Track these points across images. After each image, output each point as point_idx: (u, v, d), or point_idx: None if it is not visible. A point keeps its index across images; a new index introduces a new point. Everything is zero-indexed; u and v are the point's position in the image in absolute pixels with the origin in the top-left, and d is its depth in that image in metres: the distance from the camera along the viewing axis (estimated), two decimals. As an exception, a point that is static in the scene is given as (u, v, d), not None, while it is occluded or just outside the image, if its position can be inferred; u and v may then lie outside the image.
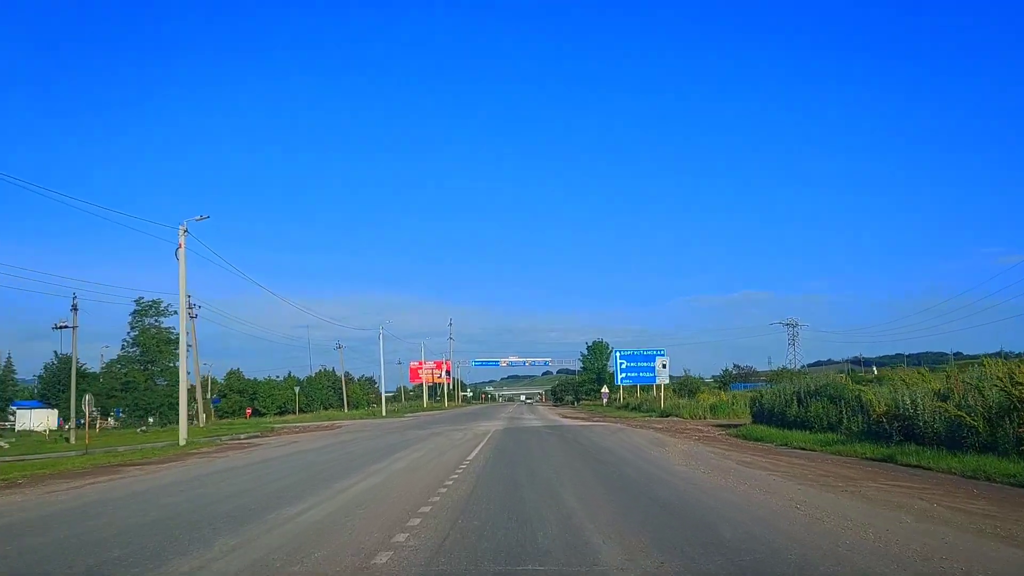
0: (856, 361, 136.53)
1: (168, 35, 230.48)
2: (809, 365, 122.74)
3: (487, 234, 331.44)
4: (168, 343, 75.85)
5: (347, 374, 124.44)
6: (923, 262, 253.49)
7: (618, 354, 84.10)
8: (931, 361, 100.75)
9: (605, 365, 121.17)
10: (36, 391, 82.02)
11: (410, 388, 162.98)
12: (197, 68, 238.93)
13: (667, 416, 45.66)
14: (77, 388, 49.90)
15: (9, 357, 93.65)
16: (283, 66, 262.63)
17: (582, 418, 51.05)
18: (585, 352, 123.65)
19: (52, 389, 76.19)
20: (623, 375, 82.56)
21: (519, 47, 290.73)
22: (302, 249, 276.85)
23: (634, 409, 62.84)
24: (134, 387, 70.19)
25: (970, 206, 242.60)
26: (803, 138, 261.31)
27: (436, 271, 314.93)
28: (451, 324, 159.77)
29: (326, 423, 56.40)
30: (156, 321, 76.54)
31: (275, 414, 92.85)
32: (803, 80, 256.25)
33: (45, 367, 75.40)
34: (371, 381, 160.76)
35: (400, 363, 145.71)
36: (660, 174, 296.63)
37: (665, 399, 57.18)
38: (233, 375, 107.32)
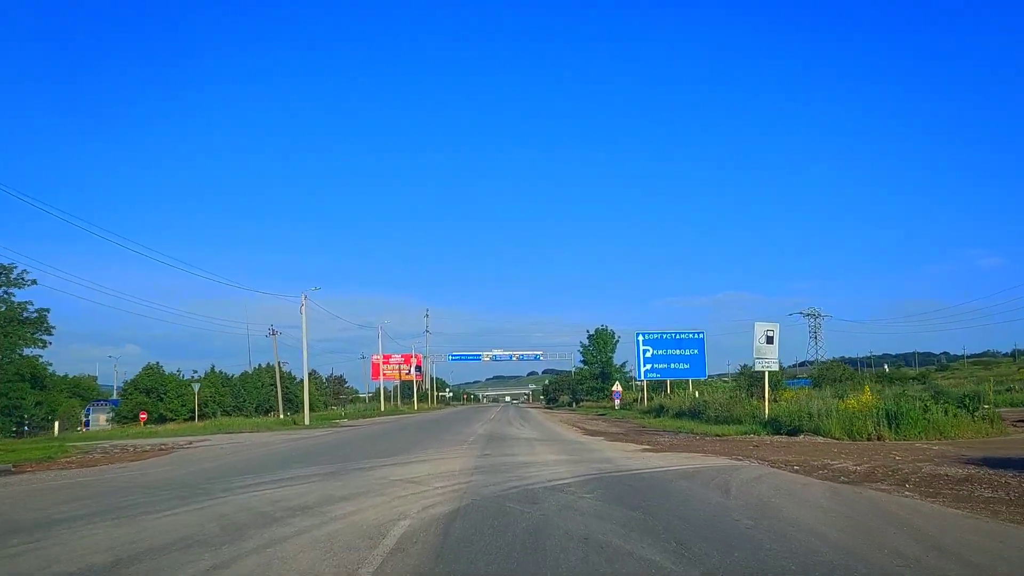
0: (869, 359, 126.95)
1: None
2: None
3: (468, 233, 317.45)
4: (19, 324, 57.83)
5: (304, 375, 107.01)
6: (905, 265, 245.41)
7: (641, 339, 66.36)
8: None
9: (611, 358, 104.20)
10: None
11: (390, 388, 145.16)
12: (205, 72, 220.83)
13: (796, 434, 25.70)
14: None
15: None
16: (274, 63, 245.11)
17: (613, 434, 32.01)
18: (585, 343, 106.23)
19: None
20: (648, 367, 65.41)
21: (497, 38, 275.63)
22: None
23: (684, 416, 43.52)
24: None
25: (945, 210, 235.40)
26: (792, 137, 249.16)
27: (414, 270, 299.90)
28: (427, 315, 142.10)
29: (152, 442, 38.06)
30: (5, 294, 58.51)
31: (185, 419, 75.03)
32: (799, 78, 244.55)
33: None
34: (340, 380, 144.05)
35: (364, 356, 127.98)
36: (648, 172, 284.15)
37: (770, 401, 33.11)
38: (151, 370, 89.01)
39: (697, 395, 56.39)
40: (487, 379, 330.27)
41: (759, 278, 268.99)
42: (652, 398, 64.90)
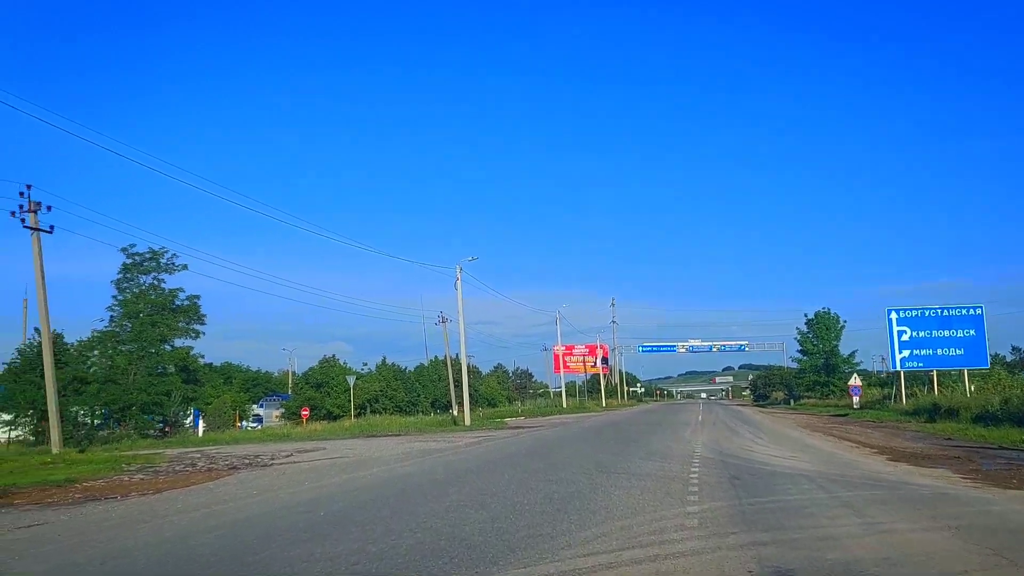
0: None
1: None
2: None
3: (651, 227, 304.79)
4: (173, 312, 53.71)
5: (463, 363, 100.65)
6: None
7: (895, 316, 52.40)
8: None
9: (835, 347, 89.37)
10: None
11: (576, 383, 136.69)
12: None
13: None
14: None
15: None
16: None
17: (939, 458, 19.40)
18: (804, 329, 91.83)
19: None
20: (906, 353, 51.65)
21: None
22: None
23: (996, 422, 28.73)
24: (115, 378, 48.33)
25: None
26: None
27: (598, 264, 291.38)
28: (613, 305, 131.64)
29: (245, 452, 31.02)
30: (156, 280, 54.68)
31: (358, 415, 69.61)
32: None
33: (19, 351, 55.48)
34: (527, 374, 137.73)
35: (546, 348, 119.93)
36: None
37: None
38: (325, 363, 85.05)
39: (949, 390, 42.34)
40: (679, 375, 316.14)
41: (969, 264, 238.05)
42: (914, 394, 51.15)
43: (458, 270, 48.69)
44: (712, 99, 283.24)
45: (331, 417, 69.20)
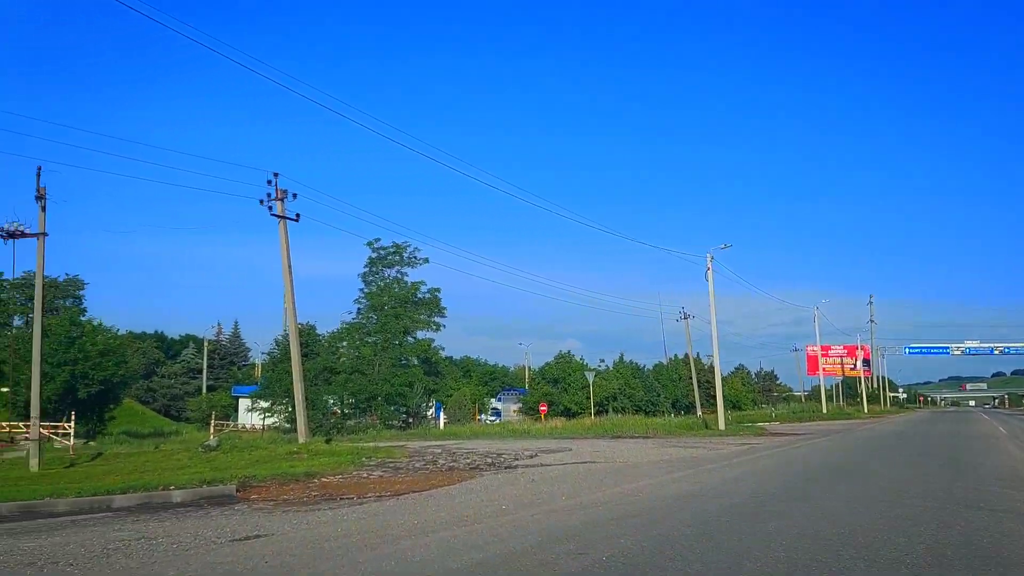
0: None
1: None
2: None
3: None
4: (415, 305, 54.18)
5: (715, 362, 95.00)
6: None
7: None
8: None
9: None
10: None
11: (828, 386, 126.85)
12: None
13: None
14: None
15: (236, 326, 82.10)
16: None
17: None
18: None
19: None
20: None
21: None
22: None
23: None
24: (362, 368, 49.33)
25: None
26: None
27: (852, 261, 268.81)
28: (871, 302, 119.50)
29: (478, 448, 27.97)
30: (399, 273, 55.47)
31: (594, 413, 67.25)
32: None
33: (276, 342, 58.77)
34: (771, 376, 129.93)
35: (796, 349, 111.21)
36: None
37: None
38: (561, 359, 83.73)
39: None
40: (940, 380, 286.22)
41: None
42: None
43: (708, 259, 44.44)
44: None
45: (568, 414, 67.42)
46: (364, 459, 21.86)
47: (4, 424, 36.95)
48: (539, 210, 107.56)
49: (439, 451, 25.84)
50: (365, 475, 18.32)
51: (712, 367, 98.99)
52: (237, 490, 16.07)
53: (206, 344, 77.51)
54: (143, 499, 15.44)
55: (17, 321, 61.25)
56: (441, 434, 38.68)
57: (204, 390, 72.37)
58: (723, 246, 48.45)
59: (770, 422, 63.17)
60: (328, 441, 30.77)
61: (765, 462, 21.01)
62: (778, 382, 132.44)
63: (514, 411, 75.50)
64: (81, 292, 62.41)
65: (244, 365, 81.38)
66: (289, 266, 28.81)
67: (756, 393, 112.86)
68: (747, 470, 18.36)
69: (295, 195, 29.06)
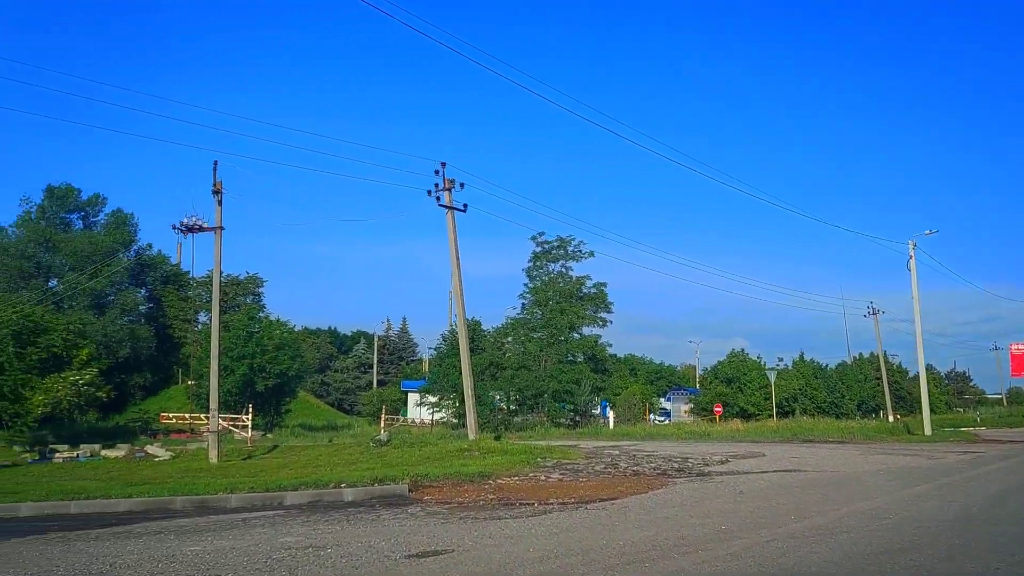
0: None
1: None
2: None
3: None
4: (580, 300, 52.72)
5: (920, 361, 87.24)
6: None
7: None
8: None
9: None
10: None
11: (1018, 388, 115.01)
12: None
13: None
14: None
15: (404, 322, 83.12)
16: None
17: None
18: None
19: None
20: None
21: None
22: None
23: None
24: (528, 364, 48.38)
25: None
26: None
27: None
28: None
29: (669, 453, 25.19)
30: (564, 268, 54.14)
31: (770, 415, 63.20)
32: None
33: (443, 337, 58.96)
34: (963, 377, 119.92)
35: (996, 348, 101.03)
36: None
37: None
38: (733, 357, 79.82)
39: None
40: None
41: None
42: None
43: (911, 246, 40.07)
44: None
45: (744, 415, 63.78)
46: (539, 459, 20.47)
47: (187, 415, 38.57)
48: (709, 196, 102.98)
49: (616, 452, 24.12)
50: (543, 477, 16.86)
51: (900, 367, 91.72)
52: (409, 489, 15.04)
53: (376, 340, 79.59)
54: (314, 496, 14.69)
55: (203, 318, 64.86)
56: (613, 434, 36.92)
57: (375, 385, 74.22)
58: (928, 232, 43.86)
59: (975, 427, 57.19)
60: (497, 438, 29.76)
61: (1019, 476, 17.77)
62: (971, 384, 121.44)
63: (684, 411, 72.42)
64: (260, 289, 65.27)
65: (412, 360, 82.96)
66: (457, 257, 27.97)
67: (950, 396, 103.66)
68: (1005, 486, 15.39)
69: (463, 184, 28.19)
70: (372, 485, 15.46)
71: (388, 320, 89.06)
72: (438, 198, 27.99)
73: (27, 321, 31.94)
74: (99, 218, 60.76)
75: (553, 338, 49.86)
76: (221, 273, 26.13)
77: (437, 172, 27.92)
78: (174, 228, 25.75)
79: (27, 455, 28.17)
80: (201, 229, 25.68)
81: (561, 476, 17.08)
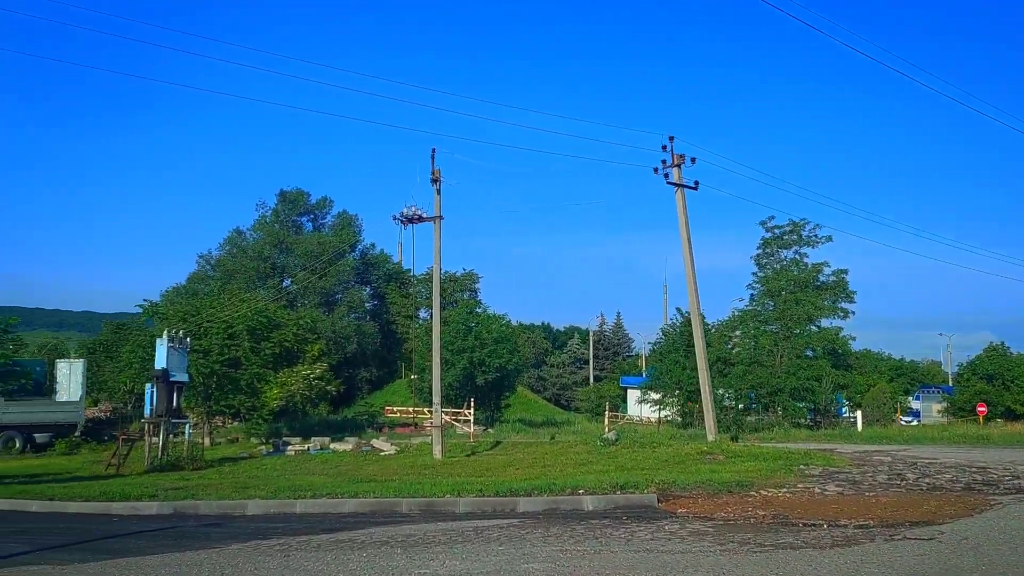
0: None
1: None
2: None
3: None
4: (817, 290, 48.26)
5: None
6: None
7: None
8: None
9: None
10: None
11: None
12: None
13: None
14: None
15: (619, 316, 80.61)
16: None
17: None
18: None
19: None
20: None
21: None
22: None
23: None
24: (761, 360, 44.64)
25: None
26: None
27: None
28: None
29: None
30: (797, 254, 49.78)
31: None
32: None
33: (662, 331, 56.17)
34: None
35: None
36: None
37: None
38: (993, 351, 70.91)
39: None
40: None
41: None
42: None
43: None
44: None
45: (1010, 415, 56.21)
46: (800, 466, 17.62)
47: (411, 409, 38.81)
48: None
49: (887, 459, 20.66)
50: (816, 490, 14.12)
51: None
52: (658, 500, 12.91)
53: (591, 335, 78.32)
54: (550, 503, 12.96)
55: (423, 314, 66.41)
56: (867, 437, 32.74)
57: (591, 380, 72.92)
58: None
59: None
60: (734, 439, 26.96)
61: None
62: None
63: (937, 411, 64.93)
64: (476, 285, 65.80)
65: (628, 356, 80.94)
66: (688, 240, 25.50)
67: None
68: None
69: (694, 160, 25.76)
70: (613, 493, 13.51)
71: (602, 315, 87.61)
72: (666, 175, 25.73)
73: (261, 317, 33.14)
74: (327, 220, 63.86)
75: (788, 331, 45.78)
76: (441, 263, 25.36)
77: (664, 147, 25.68)
78: (394, 219, 25.37)
79: (263, 447, 29.02)
80: (421, 219, 25.08)
81: (839, 489, 14.26)
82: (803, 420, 41.31)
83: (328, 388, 40.94)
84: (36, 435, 30.61)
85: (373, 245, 65.07)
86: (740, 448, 22.14)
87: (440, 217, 24.92)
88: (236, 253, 58.78)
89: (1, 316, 38.53)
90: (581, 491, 13.63)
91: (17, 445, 29.77)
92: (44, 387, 35.28)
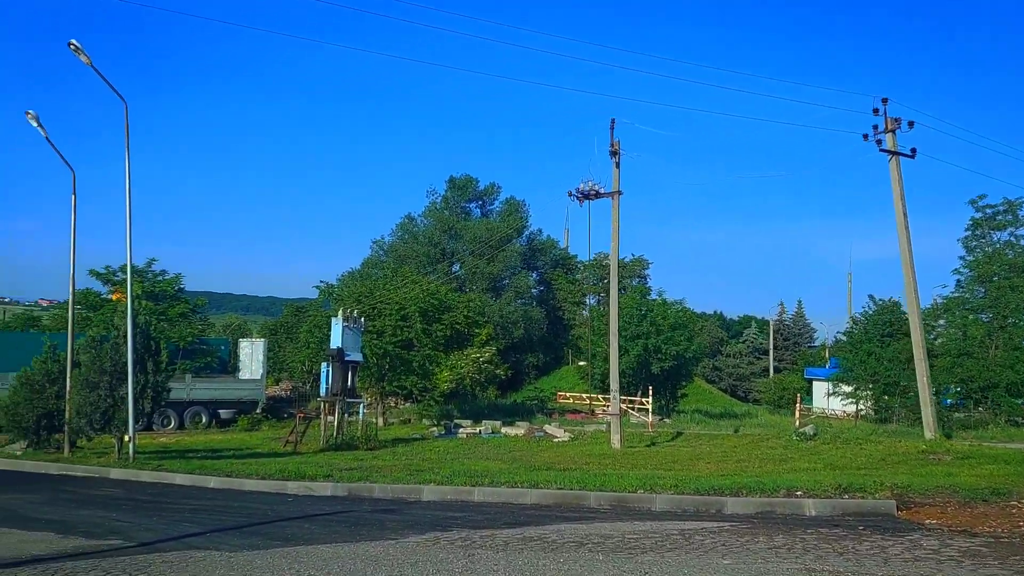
0: None
1: None
2: None
3: None
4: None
5: None
6: None
7: None
8: None
9: None
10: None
11: None
12: None
13: None
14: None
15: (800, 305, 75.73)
16: None
17: None
18: None
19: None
20: None
21: None
22: None
23: None
24: (970, 350, 40.04)
25: None
26: None
27: None
28: None
29: None
30: (1013, 236, 44.40)
31: None
32: None
33: (853, 320, 51.91)
34: None
35: None
36: None
37: None
38: None
39: None
40: None
41: None
42: None
43: None
44: None
45: None
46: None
47: (584, 395, 37.52)
48: None
49: None
50: (1097, 504, 11.50)
51: None
52: (896, 507, 10.84)
53: (771, 325, 74.23)
54: (762, 505, 11.18)
55: (590, 300, 65.01)
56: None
57: (771, 371, 69.07)
58: None
59: None
60: (948, 437, 23.74)
61: None
62: None
63: None
64: (646, 271, 63.70)
65: (811, 346, 76.13)
66: (904, 212, 22.60)
67: None
68: None
69: (911, 123, 22.80)
70: (838, 496, 11.52)
71: (782, 303, 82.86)
72: (879, 141, 22.92)
73: (432, 299, 32.83)
74: (494, 206, 63.65)
75: (1002, 320, 40.80)
76: (619, 241, 23.77)
77: (876, 111, 22.87)
78: (570, 195, 24.01)
79: (434, 429, 28.62)
80: (598, 195, 23.64)
81: None
82: (1021, 418, 36.62)
83: (497, 372, 40.38)
84: (221, 411, 31.69)
85: (540, 231, 64.39)
86: (967, 447, 19.26)
87: (619, 192, 23.40)
88: (407, 239, 59.64)
89: (191, 298, 40.60)
90: (799, 492, 11.73)
91: (203, 420, 30.90)
92: (228, 365, 36.68)
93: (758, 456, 19.21)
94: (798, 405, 34.42)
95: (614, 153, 23.39)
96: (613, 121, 23.55)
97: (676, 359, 36.63)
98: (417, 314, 31.28)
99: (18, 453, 18.77)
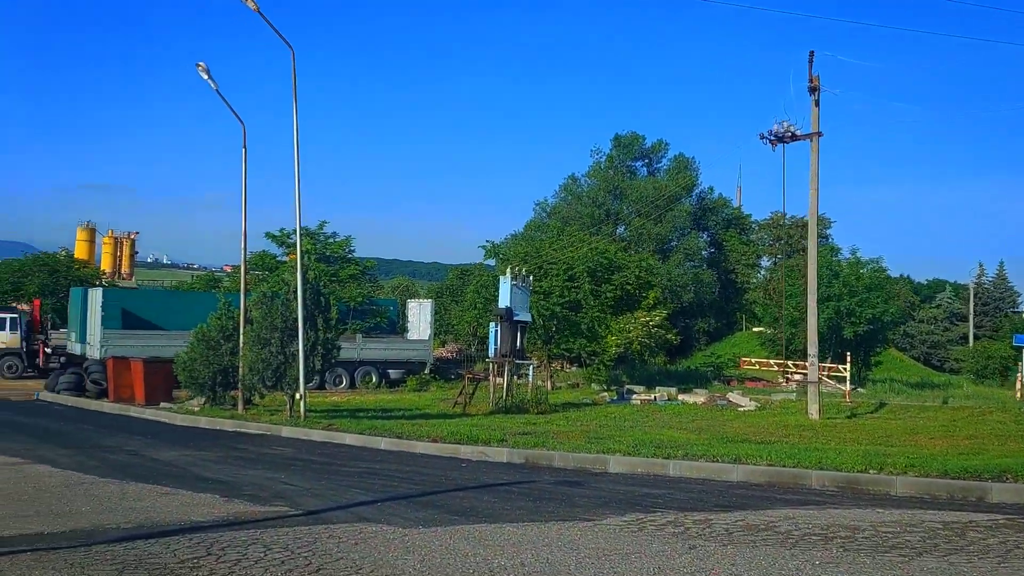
0: None
1: None
2: None
3: None
4: None
5: None
6: None
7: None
8: None
9: None
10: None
11: None
12: None
13: None
14: None
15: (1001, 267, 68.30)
16: None
17: None
18: None
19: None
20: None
21: None
22: None
23: None
24: None
25: None
26: None
27: None
28: None
29: None
30: None
31: None
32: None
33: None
34: None
35: None
36: None
37: None
38: None
39: None
40: None
41: None
42: None
43: None
44: None
45: None
46: None
47: (771, 362, 34.91)
48: None
49: None
50: None
51: None
52: None
53: (972, 288, 67.52)
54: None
55: (765, 263, 61.39)
56: None
57: (971, 339, 62.89)
58: None
59: None
60: None
61: None
62: None
63: None
64: (828, 231, 59.26)
65: (1016, 311, 68.76)
66: None
67: None
68: None
69: None
70: None
71: (981, 266, 75.31)
72: None
73: (602, 258, 31.30)
74: (662, 164, 60.88)
75: None
76: (819, 188, 21.28)
77: None
78: (762, 137, 21.61)
79: (605, 394, 27.25)
80: (794, 137, 21.16)
81: None
82: None
83: (668, 336, 38.39)
84: (390, 371, 31.63)
85: (711, 189, 61.04)
86: None
87: (819, 133, 20.90)
88: (571, 200, 58.14)
89: (361, 261, 41.02)
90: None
91: (373, 379, 30.91)
92: (397, 325, 36.70)
93: (989, 432, 16.60)
94: (1021, 375, 30.46)
95: (813, 89, 20.85)
96: (812, 53, 20.99)
97: (872, 323, 33.33)
98: (585, 274, 29.89)
99: (195, 409, 18.96)
